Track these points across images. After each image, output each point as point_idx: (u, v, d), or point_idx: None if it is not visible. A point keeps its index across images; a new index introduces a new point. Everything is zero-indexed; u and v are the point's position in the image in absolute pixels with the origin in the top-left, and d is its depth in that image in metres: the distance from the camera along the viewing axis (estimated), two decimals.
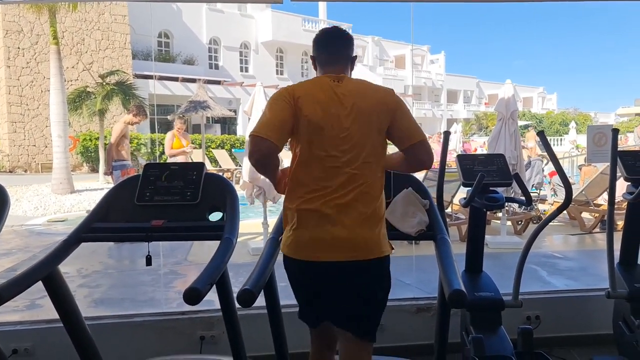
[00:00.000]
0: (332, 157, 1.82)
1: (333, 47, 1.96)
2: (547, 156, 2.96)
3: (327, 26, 2.08)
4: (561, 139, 29.00)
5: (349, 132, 1.81)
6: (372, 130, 1.84)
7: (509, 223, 6.88)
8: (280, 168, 1.98)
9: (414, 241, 5.73)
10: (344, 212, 1.80)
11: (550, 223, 8.05)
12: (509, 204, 7.12)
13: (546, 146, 2.86)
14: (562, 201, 2.94)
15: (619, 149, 2.96)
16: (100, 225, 2.31)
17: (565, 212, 7.69)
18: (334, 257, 1.79)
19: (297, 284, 1.97)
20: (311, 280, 1.90)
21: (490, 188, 2.94)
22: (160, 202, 2.32)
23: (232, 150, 18.19)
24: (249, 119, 6.16)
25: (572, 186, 5.13)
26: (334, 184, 1.81)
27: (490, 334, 2.80)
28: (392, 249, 1.92)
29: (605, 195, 7.18)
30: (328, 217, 1.79)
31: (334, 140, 1.82)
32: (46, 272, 2.14)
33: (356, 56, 2.02)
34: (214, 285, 2.05)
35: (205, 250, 5.74)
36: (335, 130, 1.81)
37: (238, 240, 2.17)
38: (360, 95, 1.85)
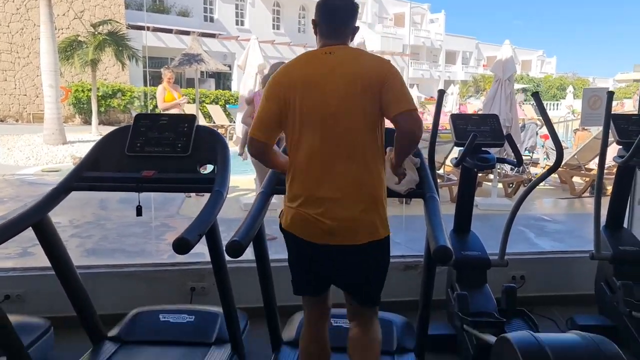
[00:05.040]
0: (326, 136, 1.80)
1: (335, 19, 1.88)
2: (542, 119, 2.95)
3: None
4: (558, 104, 28.89)
5: (341, 107, 1.78)
6: (366, 100, 1.78)
7: (500, 185, 6.93)
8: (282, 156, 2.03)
9: (404, 201, 5.79)
10: (347, 193, 1.79)
11: (541, 187, 8.08)
12: (501, 166, 7.17)
13: (540, 108, 2.86)
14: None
15: (613, 113, 2.96)
16: (91, 175, 2.31)
17: (556, 176, 7.75)
18: (340, 241, 1.81)
19: (299, 259, 1.97)
20: (315, 259, 1.91)
21: (483, 148, 2.95)
22: (151, 153, 2.31)
23: (227, 106, 18.02)
24: (244, 73, 6.08)
25: (565, 150, 5.13)
26: (332, 163, 1.80)
27: (475, 291, 2.87)
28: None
29: (597, 160, 7.23)
30: (332, 201, 1.79)
31: (327, 120, 1.79)
32: (37, 219, 2.15)
33: (358, 27, 1.96)
34: (204, 238, 2.07)
35: (197, 204, 5.77)
36: (327, 108, 1.78)
37: (230, 196, 2.17)
38: (352, 64, 1.81)
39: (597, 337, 1.82)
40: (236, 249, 1.77)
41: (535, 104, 2.80)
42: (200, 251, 2.94)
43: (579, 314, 3.08)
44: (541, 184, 6.43)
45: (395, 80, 1.80)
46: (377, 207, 1.84)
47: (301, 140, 1.83)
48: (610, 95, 2.93)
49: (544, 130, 9.88)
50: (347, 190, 1.80)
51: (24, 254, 3.94)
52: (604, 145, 2.95)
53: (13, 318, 2.39)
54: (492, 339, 2.32)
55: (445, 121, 6.02)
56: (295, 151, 1.86)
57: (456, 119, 3.04)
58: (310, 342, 2.07)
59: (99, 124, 15.92)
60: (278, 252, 2.86)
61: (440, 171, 6.86)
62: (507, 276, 3.34)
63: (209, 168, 2.36)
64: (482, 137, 2.88)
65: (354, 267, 1.87)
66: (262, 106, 1.90)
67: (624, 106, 16.73)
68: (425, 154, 2.52)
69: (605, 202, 3.13)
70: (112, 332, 2.71)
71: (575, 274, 3.46)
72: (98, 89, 17.21)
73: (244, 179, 6.76)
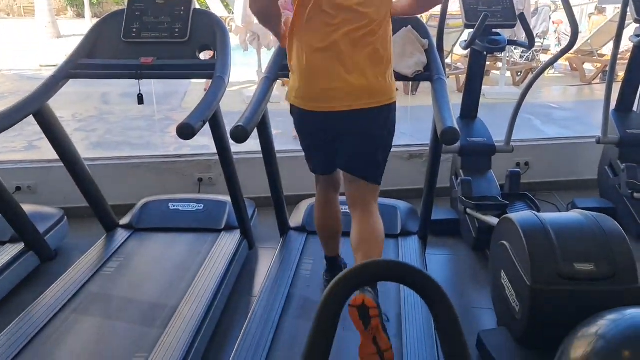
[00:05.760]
0: (336, 15, 1.67)
1: None
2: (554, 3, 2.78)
3: None
4: None
5: None
6: None
7: (508, 74, 6.75)
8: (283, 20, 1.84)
9: (410, 92, 5.66)
10: (353, 56, 1.69)
11: (550, 74, 7.84)
12: (510, 53, 6.94)
13: None
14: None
15: None
16: (88, 62, 2.24)
17: (566, 63, 7.52)
18: (346, 106, 1.73)
19: (307, 132, 1.91)
20: (323, 129, 1.84)
21: (493, 30, 2.82)
22: (148, 38, 2.23)
23: None
24: None
25: (579, 35, 4.88)
26: (338, 26, 1.68)
27: (479, 177, 2.89)
28: (396, 89, 1.86)
29: (610, 45, 6.98)
30: (338, 64, 1.70)
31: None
32: (36, 107, 2.13)
33: None
34: (208, 126, 2.05)
35: (199, 97, 5.69)
36: None
37: (232, 90, 2.11)
38: None
39: (597, 215, 1.85)
40: (240, 134, 1.75)
41: None
42: (206, 144, 2.95)
43: (580, 198, 3.12)
44: (550, 71, 6.23)
45: None
46: (388, 69, 1.77)
47: (309, 19, 1.70)
48: None
49: (557, 16, 9.44)
50: (357, 52, 1.70)
51: (30, 147, 3.97)
52: (621, 24, 2.81)
53: (27, 208, 2.46)
54: (494, 220, 2.37)
55: (452, 9, 5.75)
56: (301, 29, 1.73)
57: None
58: (323, 217, 2.10)
59: (93, 17, 15.29)
60: (285, 144, 2.87)
61: (448, 60, 6.65)
62: (511, 163, 3.36)
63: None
64: (494, 17, 2.74)
65: (361, 132, 1.80)
66: None
67: None
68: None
69: (616, 88, 3.05)
70: (124, 221, 2.79)
71: (579, 160, 3.47)
72: None
73: (244, 71, 6.61)
